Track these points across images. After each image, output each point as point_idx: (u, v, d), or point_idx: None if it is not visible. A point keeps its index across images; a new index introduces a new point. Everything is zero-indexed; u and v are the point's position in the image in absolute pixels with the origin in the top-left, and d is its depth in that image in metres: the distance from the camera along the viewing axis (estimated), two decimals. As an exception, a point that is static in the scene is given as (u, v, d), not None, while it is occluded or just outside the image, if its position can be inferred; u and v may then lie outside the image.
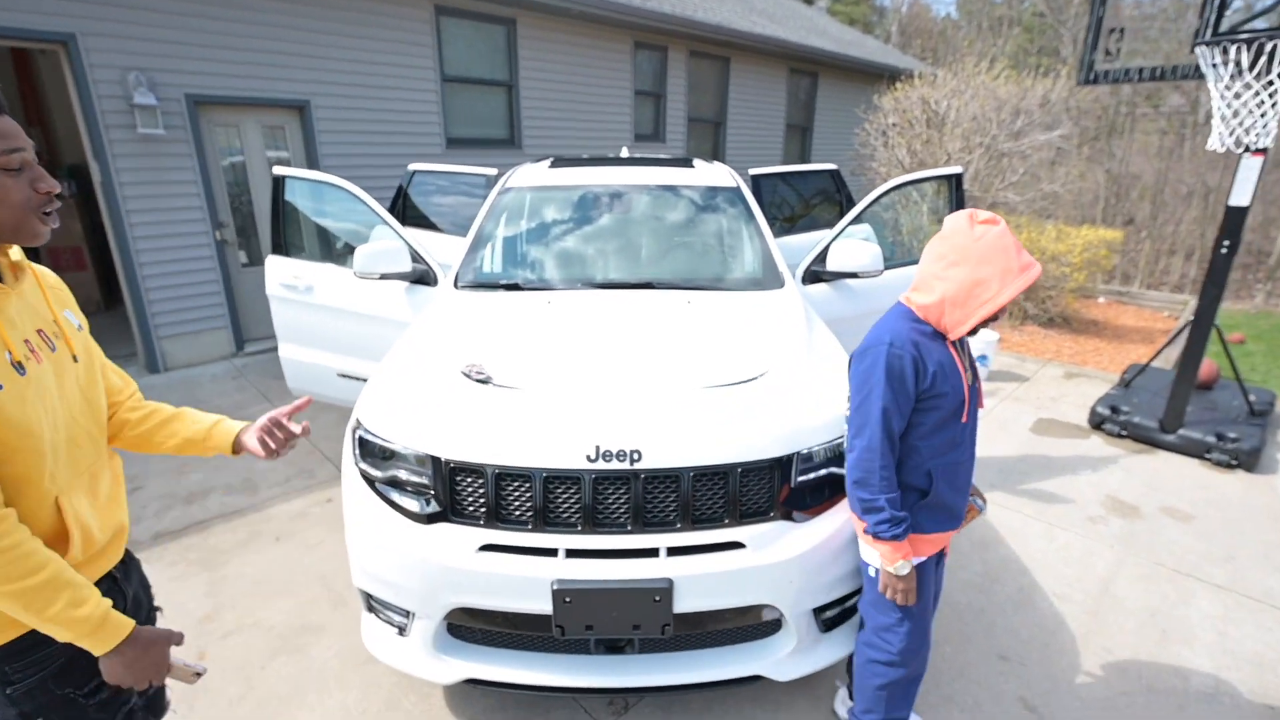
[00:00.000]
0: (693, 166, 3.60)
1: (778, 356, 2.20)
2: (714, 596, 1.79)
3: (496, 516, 1.82)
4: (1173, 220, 12.50)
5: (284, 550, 3.04)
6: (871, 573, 1.75)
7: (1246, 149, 3.37)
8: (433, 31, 6.44)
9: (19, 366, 1.04)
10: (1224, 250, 3.68)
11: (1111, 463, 3.92)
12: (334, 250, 3.63)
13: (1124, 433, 4.20)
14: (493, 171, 4.54)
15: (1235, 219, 3.62)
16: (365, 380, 3.37)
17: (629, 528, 1.79)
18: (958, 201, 3.43)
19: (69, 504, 1.12)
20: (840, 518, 1.90)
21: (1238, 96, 3.28)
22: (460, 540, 1.82)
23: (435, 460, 1.86)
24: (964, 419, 1.67)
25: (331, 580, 2.82)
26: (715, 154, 10.18)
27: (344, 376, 3.43)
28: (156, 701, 1.49)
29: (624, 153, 4.40)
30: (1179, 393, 4.00)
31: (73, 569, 1.07)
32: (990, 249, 1.53)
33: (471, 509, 1.85)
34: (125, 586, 1.31)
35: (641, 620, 1.77)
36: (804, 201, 4.67)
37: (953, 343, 1.67)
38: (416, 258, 3.16)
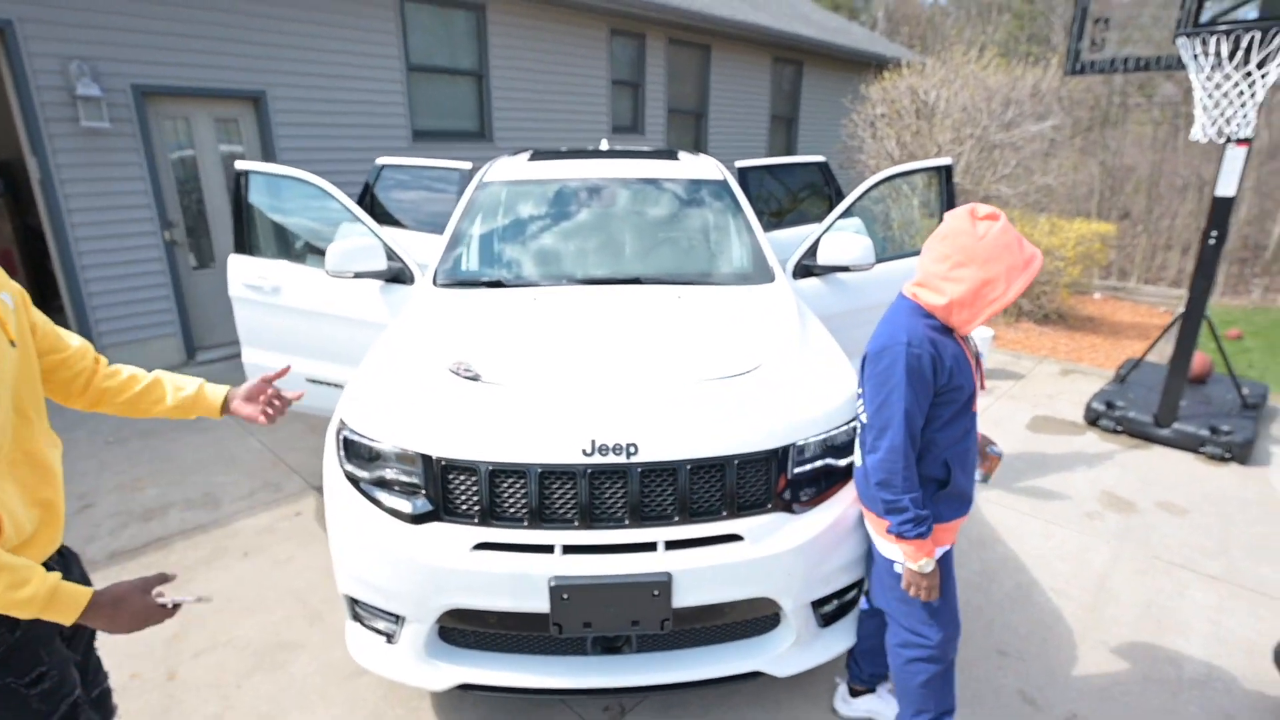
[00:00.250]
0: (678, 159, 3.74)
1: (771, 350, 2.34)
2: (713, 590, 1.91)
3: (491, 514, 1.92)
4: (1169, 214, 13.06)
5: (253, 566, 3.09)
6: (897, 569, 1.82)
7: (1229, 139, 3.63)
8: (397, 18, 6.53)
9: None
10: (1212, 241, 3.94)
11: (1107, 458, 4.14)
12: (302, 249, 3.69)
13: (1119, 428, 4.44)
14: (467, 165, 4.64)
15: (1222, 210, 3.89)
16: (337, 385, 3.46)
17: (626, 522, 1.91)
18: (948, 194, 3.63)
19: None
20: (838, 509, 2.04)
21: (1218, 87, 3.54)
22: (453, 539, 1.92)
23: (426, 459, 1.95)
24: (974, 408, 1.80)
25: (306, 596, 2.88)
26: (697, 146, 10.38)
27: (313, 381, 3.49)
28: (103, 702, 1.55)
29: (603, 145, 4.53)
30: (1172, 387, 4.25)
31: (8, 552, 1.12)
32: (995, 246, 1.61)
33: (465, 507, 1.94)
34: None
35: (640, 616, 1.88)
36: (792, 195, 4.85)
37: (960, 335, 1.78)
38: (392, 255, 3.25)
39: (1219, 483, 3.85)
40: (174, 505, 3.57)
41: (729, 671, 2.04)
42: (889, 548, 1.83)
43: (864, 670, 2.20)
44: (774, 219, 4.62)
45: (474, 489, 1.93)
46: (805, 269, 3.36)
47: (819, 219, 4.01)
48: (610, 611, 1.88)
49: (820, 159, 4.86)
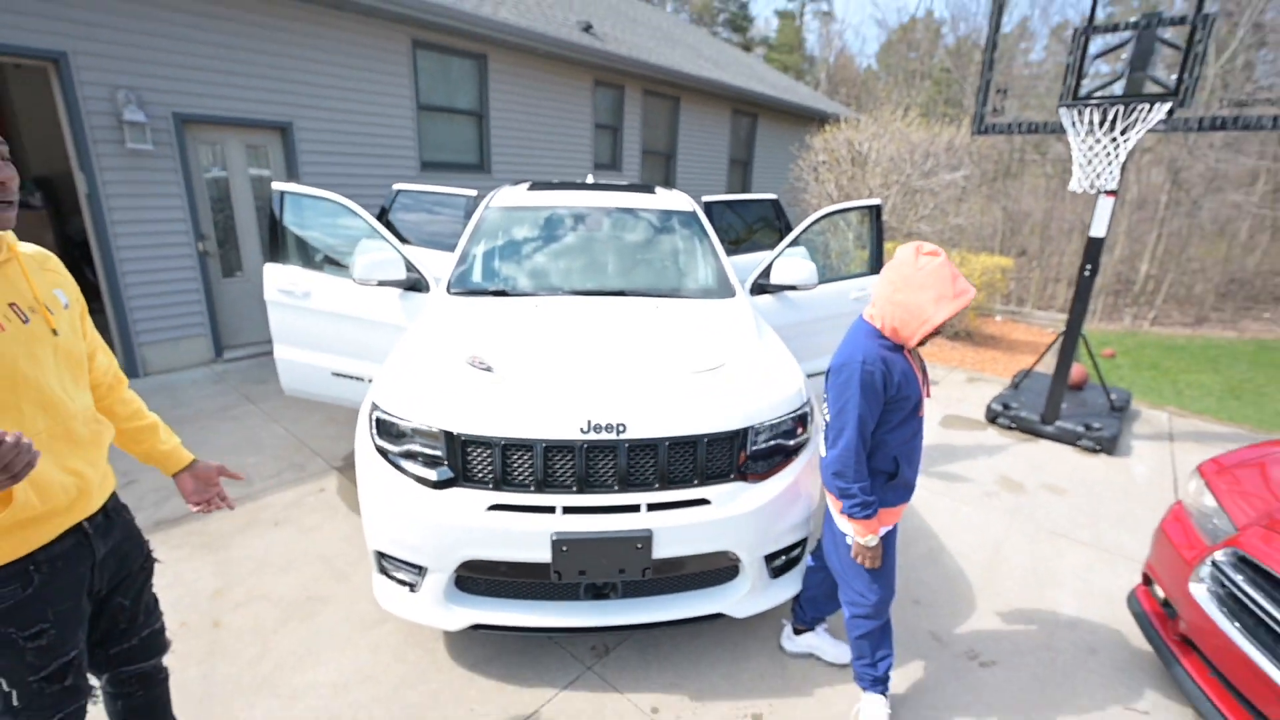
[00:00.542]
0: (654, 193, 3.90)
1: (733, 351, 2.50)
2: (685, 544, 2.05)
3: (503, 481, 2.03)
4: (1058, 252, 13.73)
5: (283, 534, 3.12)
6: (849, 541, 1.94)
7: (1099, 191, 3.95)
8: (409, 63, 6.59)
9: None
10: (1087, 273, 4.26)
11: (1003, 449, 4.41)
12: (329, 259, 3.74)
13: (1013, 425, 4.73)
14: (473, 192, 4.73)
15: (1095, 248, 4.21)
16: (359, 379, 3.51)
17: (615, 488, 2.04)
18: (878, 230, 3.85)
19: None
20: (786, 480, 2.20)
21: (1091, 149, 3.85)
22: (471, 502, 2.02)
23: (449, 435, 2.06)
24: (920, 414, 1.90)
25: (331, 558, 2.93)
26: (666, 183, 10.60)
27: (338, 375, 3.54)
28: (153, 641, 1.57)
29: (589, 179, 4.68)
30: (1055, 392, 4.55)
31: (30, 520, 1.16)
32: (930, 277, 1.71)
33: (481, 475, 2.05)
34: (95, 542, 1.34)
35: (626, 565, 2.01)
36: (748, 226, 5.04)
37: (909, 351, 1.86)
38: (410, 267, 3.33)
39: (1091, 470, 4.15)
40: (209, 482, 3.57)
41: (696, 613, 2.17)
42: (844, 524, 1.94)
43: (807, 614, 2.35)
44: (733, 246, 4.79)
45: (489, 460, 2.04)
46: (760, 287, 3.54)
47: (771, 247, 4.21)
48: (601, 561, 2.00)
49: (772, 197, 5.07)
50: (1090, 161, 3.88)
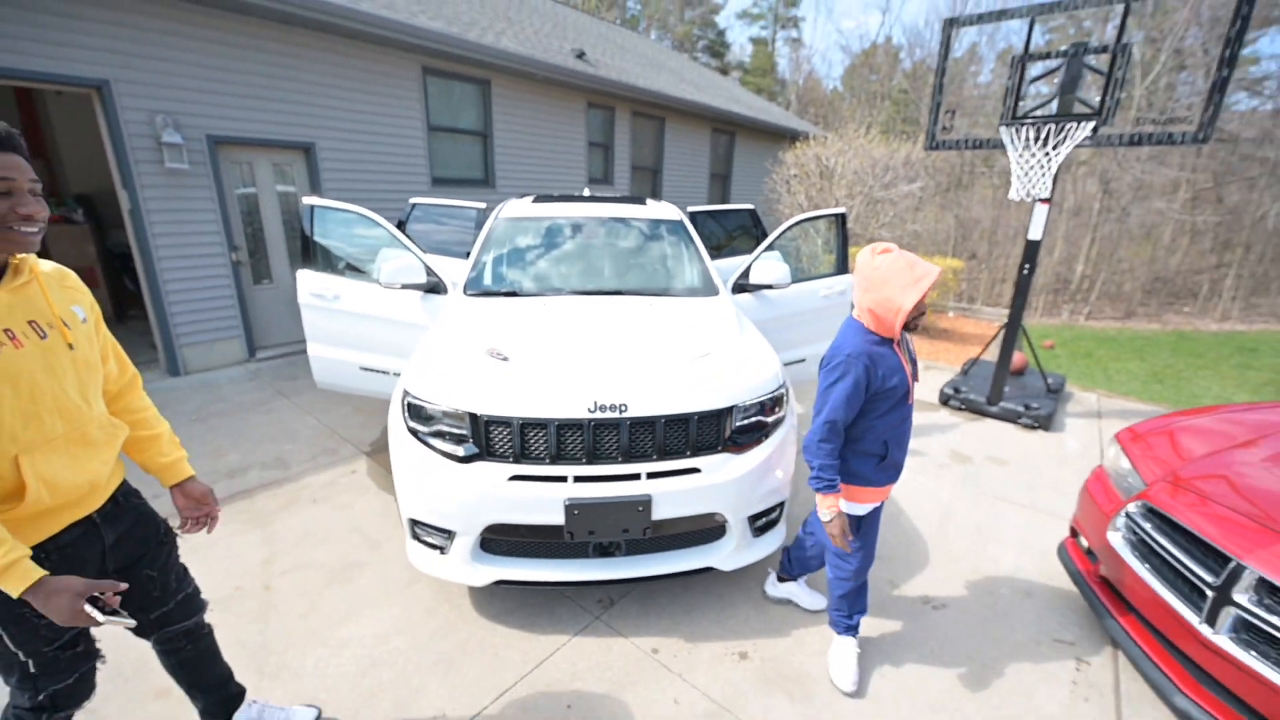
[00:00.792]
0: (645, 204, 4.01)
1: (719, 342, 2.61)
2: (680, 507, 2.17)
3: (522, 454, 2.14)
4: (1004, 255, 13.99)
5: (322, 510, 3.20)
6: (820, 516, 1.92)
7: (1035, 199, 4.12)
8: (420, 88, 6.64)
9: None
10: (1025, 272, 4.43)
11: (954, 428, 4.58)
12: (355, 266, 3.81)
13: (963, 407, 4.90)
14: (482, 205, 4.80)
15: (1032, 249, 4.37)
16: (385, 372, 3.59)
17: (619, 459, 2.15)
18: (843, 236, 3.97)
19: (29, 462, 1.16)
20: (766, 452, 2.32)
21: (1026, 162, 4.01)
22: (494, 473, 2.13)
23: (473, 416, 2.16)
24: (910, 401, 1.90)
25: (366, 530, 3.02)
26: (654, 195, 10.69)
27: (366, 370, 3.61)
28: (187, 604, 1.55)
29: (585, 192, 4.78)
30: (999, 377, 4.72)
31: (36, 513, 1.16)
32: (888, 272, 1.74)
33: (502, 450, 2.16)
34: (104, 529, 1.35)
35: (629, 525, 2.13)
36: (728, 233, 5.16)
37: (896, 342, 1.86)
38: (430, 272, 3.41)
39: (1030, 444, 4.32)
40: (252, 467, 3.64)
41: (690, 567, 2.29)
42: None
43: (794, 569, 2.46)
44: (715, 250, 4.91)
45: (509, 437, 2.15)
46: (741, 286, 3.66)
47: (749, 251, 4.33)
48: (608, 522, 2.11)
49: (750, 207, 5.19)
50: (1027, 173, 4.03)
